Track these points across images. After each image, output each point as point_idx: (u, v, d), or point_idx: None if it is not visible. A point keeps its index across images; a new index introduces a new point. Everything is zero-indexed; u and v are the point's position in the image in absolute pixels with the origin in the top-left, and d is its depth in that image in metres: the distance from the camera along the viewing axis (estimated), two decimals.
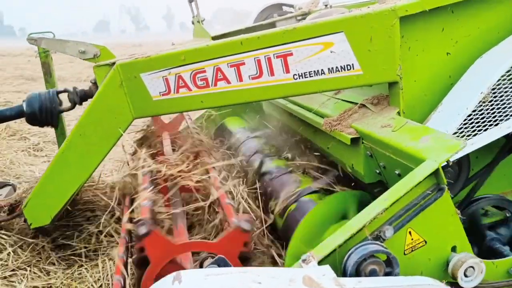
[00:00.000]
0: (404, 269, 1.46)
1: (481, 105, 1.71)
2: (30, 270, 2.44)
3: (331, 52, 1.84)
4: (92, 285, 2.42)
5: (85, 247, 2.65)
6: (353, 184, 2.18)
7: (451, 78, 1.92)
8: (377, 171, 1.88)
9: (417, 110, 1.93)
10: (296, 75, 1.91)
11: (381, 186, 1.93)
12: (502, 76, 1.72)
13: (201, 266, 1.47)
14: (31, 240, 2.61)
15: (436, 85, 1.92)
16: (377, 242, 1.35)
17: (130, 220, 2.03)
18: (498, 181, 2.00)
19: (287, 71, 1.92)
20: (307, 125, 2.48)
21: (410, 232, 1.45)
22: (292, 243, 1.88)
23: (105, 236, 2.67)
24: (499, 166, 1.94)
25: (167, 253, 1.49)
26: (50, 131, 4.74)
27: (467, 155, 1.85)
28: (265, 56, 1.92)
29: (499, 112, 1.74)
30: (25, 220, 2.49)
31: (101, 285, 2.43)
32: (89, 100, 2.41)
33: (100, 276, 2.48)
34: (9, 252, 2.52)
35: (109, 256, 2.58)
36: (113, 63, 2.19)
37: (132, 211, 2.11)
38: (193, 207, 2.12)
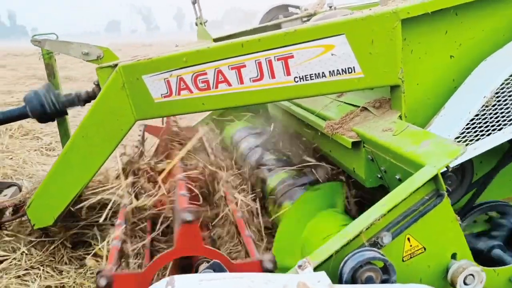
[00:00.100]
0: (403, 276, 1.44)
1: (484, 109, 1.68)
2: (43, 270, 2.46)
3: (332, 54, 1.82)
4: None
5: (95, 245, 2.66)
6: None
7: (455, 82, 1.89)
8: (379, 176, 1.86)
9: (420, 114, 1.90)
10: (297, 77, 1.90)
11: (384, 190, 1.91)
12: (506, 80, 1.69)
13: (196, 271, 1.47)
14: (44, 239, 2.64)
15: (439, 88, 1.90)
16: (374, 248, 1.33)
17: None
18: (502, 186, 1.97)
19: (288, 73, 1.90)
20: (310, 128, 2.46)
21: (408, 239, 1.43)
22: (281, 229, 1.94)
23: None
24: (504, 172, 1.91)
25: (193, 248, 1.49)
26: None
27: (471, 160, 1.82)
28: (266, 59, 1.91)
29: (502, 117, 1.71)
30: (28, 221, 2.51)
31: None
32: (93, 101, 2.42)
33: None
34: (23, 252, 2.55)
35: None
36: (116, 65, 2.20)
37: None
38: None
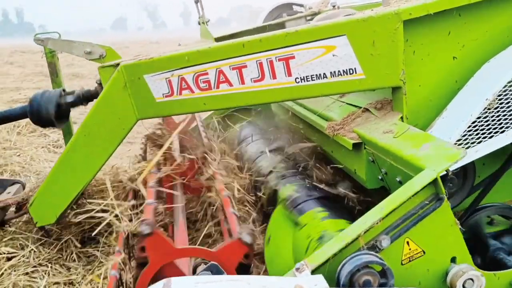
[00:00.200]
0: (402, 280, 1.43)
1: (487, 112, 1.66)
2: (51, 267, 2.48)
3: (333, 55, 1.81)
4: None
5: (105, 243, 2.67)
6: None
7: (458, 83, 1.88)
8: (380, 177, 1.85)
9: (422, 116, 1.89)
10: (298, 78, 1.89)
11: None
12: (509, 82, 1.67)
13: (194, 272, 1.47)
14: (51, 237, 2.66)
15: (441, 90, 1.88)
16: (371, 252, 1.32)
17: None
18: (505, 189, 1.95)
19: (289, 74, 1.89)
20: (313, 128, 2.45)
21: (408, 242, 1.41)
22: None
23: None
24: (507, 174, 1.89)
25: (166, 255, 1.49)
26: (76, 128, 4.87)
27: (473, 162, 1.80)
28: (267, 59, 1.90)
29: (505, 119, 1.69)
30: (31, 219, 2.52)
31: None
32: (95, 100, 2.43)
33: None
34: (32, 249, 2.56)
35: None
36: (118, 64, 2.20)
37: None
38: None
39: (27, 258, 2.53)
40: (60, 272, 2.48)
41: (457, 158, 1.38)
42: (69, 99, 2.41)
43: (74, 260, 2.57)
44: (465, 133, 1.66)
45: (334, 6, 3.25)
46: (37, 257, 2.53)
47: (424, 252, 1.44)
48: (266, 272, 2.02)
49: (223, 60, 1.97)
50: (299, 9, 3.77)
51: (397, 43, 1.75)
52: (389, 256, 1.39)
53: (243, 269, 1.48)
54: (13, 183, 2.93)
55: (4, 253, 2.54)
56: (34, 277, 2.40)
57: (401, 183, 1.61)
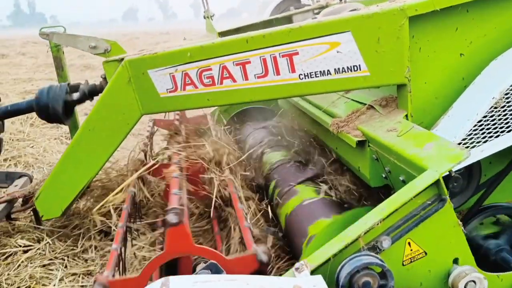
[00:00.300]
0: (403, 280, 1.42)
1: (493, 111, 1.63)
2: (67, 259, 2.50)
3: (337, 52, 1.78)
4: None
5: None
6: None
7: (464, 81, 1.84)
8: (383, 175, 1.83)
9: (427, 113, 1.86)
10: (301, 75, 1.87)
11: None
12: None
13: (194, 270, 1.47)
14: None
15: (448, 87, 1.85)
16: (371, 253, 1.31)
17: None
18: (510, 188, 1.91)
19: (293, 70, 1.87)
20: (318, 124, 2.43)
21: (409, 243, 1.40)
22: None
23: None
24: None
25: (183, 250, 1.50)
26: (81, 119, 4.92)
27: (479, 161, 1.77)
28: (270, 55, 1.88)
29: None
30: (37, 212, 2.55)
31: None
32: (100, 94, 2.43)
33: None
34: (47, 242, 2.59)
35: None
36: (122, 59, 2.20)
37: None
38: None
39: (43, 250, 2.56)
40: (77, 263, 2.50)
41: (460, 159, 1.36)
42: (76, 96, 2.42)
43: (92, 251, 2.58)
44: (470, 132, 1.63)
45: (341, 0, 3.21)
46: (53, 251, 2.56)
47: (426, 253, 1.43)
48: None
49: (227, 56, 1.96)
50: (306, 2, 3.73)
51: (402, 40, 1.72)
52: (390, 257, 1.38)
53: None
54: (20, 176, 2.95)
55: (20, 246, 2.57)
56: (51, 269, 2.42)
57: (404, 182, 1.59)
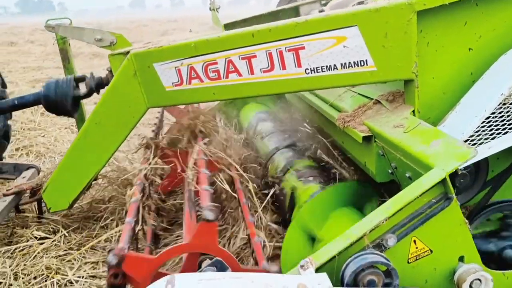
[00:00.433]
0: (408, 278, 1.41)
1: (501, 107, 1.61)
2: (85, 250, 2.53)
3: (344, 46, 1.76)
4: None
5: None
6: None
7: (473, 76, 1.82)
8: (390, 171, 1.82)
9: (435, 109, 1.84)
10: (308, 69, 1.85)
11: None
12: None
13: (199, 267, 1.47)
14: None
15: (456, 82, 1.82)
16: (377, 252, 1.30)
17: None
18: None
19: (299, 65, 1.86)
20: (324, 118, 2.42)
21: (414, 241, 1.39)
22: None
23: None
24: None
25: (207, 247, 1.50)
26: (91, 108, 4.97)
27: (486, 158, 1.75)
28: (276, 49, 1.87)
29: None
30: (44, 204, 2.57)
31: None
32: (106, 87, 2.44)
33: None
34: (63, 234, 2.63)
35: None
36: (128, 52, 2.19)
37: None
38: None
39: (58, 242, 2.60)
40: (95, 253, 2.53)
41: (467, 158, 1.34)
42: (83, 91, 2.42)
43: (110, 242, 2.61)
44: (478, 128, 1.61)
45: None
46: (68, 242, 2.60)
47: (431, 251, 1.42)
48: None
49: (232, 50, 1.94)
50: None
51: (410, 35, 1.69)
52: (395, 255, 1.37)
53: None
54: (28, 167, 2.98)
55: (37, 238, 2.60)
56: (69, 260, 2.46)
57: (411, 179, 1.58)
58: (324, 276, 1.25)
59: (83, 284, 2.25)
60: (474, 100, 1.70)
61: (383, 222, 1.33)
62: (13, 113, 3.28)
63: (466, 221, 1.41)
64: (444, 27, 1.76)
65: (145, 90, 2.18)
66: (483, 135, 1.62)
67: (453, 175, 1.40)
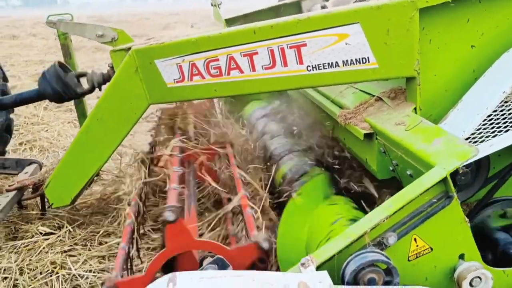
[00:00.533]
0: (408, 276, 1.42)
1: (503, 105, 1.60)
2: (90, 244, 2.57)
3: (346, 44, 1.76)
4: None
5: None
6: None
7: (475, 73, 1.81)
8: (391, 168, 1.82)
9: (437, 106, 1.83)
10: (309, 66, 1.85)
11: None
12: None
13: (201, 264, 1.48)
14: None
15: (458, 80, 1.82)
16: (377, 250, 1.31)
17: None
18: None
19: (301, 62, 1.85)
20: (326, 114, 2.41)
21: (415, 239, 1.40)
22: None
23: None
24: None
25: (184, 245, 1.52)
26: (94, 103, 4.98)
27: (487, 155, 1.75)
28: (278, 46, 1.86)
29: None
30: (47, 200, 2.58)
31: None
32: (108, 83, 2.44)
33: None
34: (68, 230, 2.65)
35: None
36: (129, 48, 2.19)
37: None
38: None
39: (63, 237, 2.62)
40: (101, 248, 2.56)
41: (468, 157, 1.34)
42: (86, 88, 2.43)
43: (116, 235, 2.64)
44: (479, 126, 1.61)
45: None
46: (72, 237, 2.62)
47: (431, 249, 1.42)
48: None
49: (234, 47, 1.94)
50: None
51: (412, 32, 1.69)
52: (395, 252, 1.38)
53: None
54: (30, 163, 2.99)
55: (41, 233, 2.62)
56: (74, 255, 2.49)
57: (412, 177, 1.58)
58: (325, 274, 1.25)
59: (89, 278, 2.27)
60: (476, 97, 1.69)
61: (384, 221, 1.33)
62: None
63: (467, 219, 1.41)
64: (447, 24, 1.75)
65: (146, 86, 2.18)
66: (484, 133, 1.62)
67: (454, 173, 1.40)
